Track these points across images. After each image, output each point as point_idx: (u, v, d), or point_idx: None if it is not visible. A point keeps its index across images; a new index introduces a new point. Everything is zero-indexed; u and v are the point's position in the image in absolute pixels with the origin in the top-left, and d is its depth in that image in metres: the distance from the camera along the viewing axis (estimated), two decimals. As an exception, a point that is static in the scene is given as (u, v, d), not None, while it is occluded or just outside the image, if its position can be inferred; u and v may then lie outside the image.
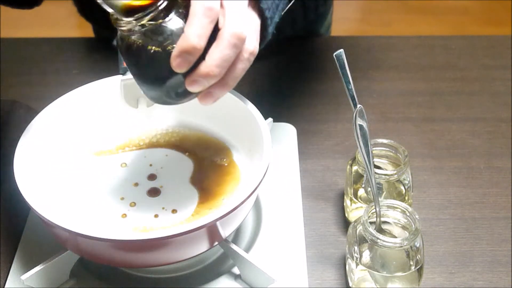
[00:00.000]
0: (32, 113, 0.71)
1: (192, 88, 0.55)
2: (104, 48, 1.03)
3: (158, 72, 0.56)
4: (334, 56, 0.66)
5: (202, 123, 0.76)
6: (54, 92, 0.74)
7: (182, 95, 0.57)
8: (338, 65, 0.66)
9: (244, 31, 0.54)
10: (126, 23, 0.54)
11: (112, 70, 0.74)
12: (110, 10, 0.54)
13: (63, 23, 2.41)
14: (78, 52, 1.05)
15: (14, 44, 1.06)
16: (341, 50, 0.66)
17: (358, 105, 0.65)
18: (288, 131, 0.85)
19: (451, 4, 2.50)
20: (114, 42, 0.74)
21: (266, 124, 0.68)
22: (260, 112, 0.70)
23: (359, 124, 0.65)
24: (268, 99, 0.92)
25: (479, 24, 2.43)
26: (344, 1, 2.39)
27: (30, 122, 0.69)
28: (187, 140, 0.75)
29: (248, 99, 0.71)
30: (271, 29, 0.59)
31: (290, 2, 0.64)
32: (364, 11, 2.54)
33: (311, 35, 1.09)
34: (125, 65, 0.72)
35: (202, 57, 0.54)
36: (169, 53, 0.54)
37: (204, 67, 0.54)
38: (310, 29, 1.09)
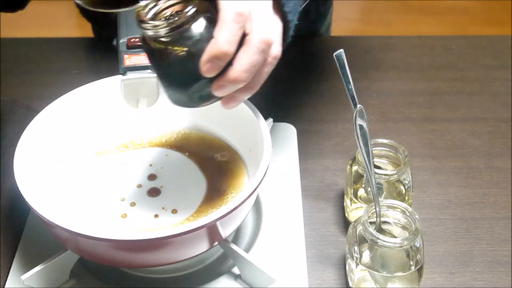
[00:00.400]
0: (32, 113, 0.71)
1: (218, 93, 0.56)
2: (104, 48, 1.03)
3: (184, 76, 0.56)
4: (334, 56, 0.66)
5: (202, 123, 0.76)
6: (54, 92, 0.74)
7: (205, 98, 0.57)
8: (338, 65, 0.66)
9: (271, 36, 0.54)
10: (152, 27, 0.54)
11: (112, 70, 0.74)
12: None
13: (63, 23, 2.41)
14: (78, 52, 1.05)
15: (14, 44, 1.06)
16: (341, 50, 0.66)
17: (358, 105, 0.65)
18: (288, 131, 0.85)
19: (451, 4, 2.50)
20: (114, 42, 0.74)
21: (266, 124, 0.68)
22: (260, 112, 0.70)
23: (359, 124, 0.65)
24: (268, 99, 0.92)
25: (479, 24, 2.43)
26: (344, 1, 2.39)
27: (30, 122, 0.69)
28: (187, 140, 0.75)
29: (248, 99, 0.71)
30: (291, 32, 0.60)
31: (304, 3, 0.65)
32: (364, 11, 2.54)
33: (311, 35, 1.09)
34: (125, 65, 0.72)
35: (229, 62, 0.54)
36: (196, 58, 0.54)
37: (233, 72, 0.54)
38: (310, 28, 1.09)
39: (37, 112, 0.70)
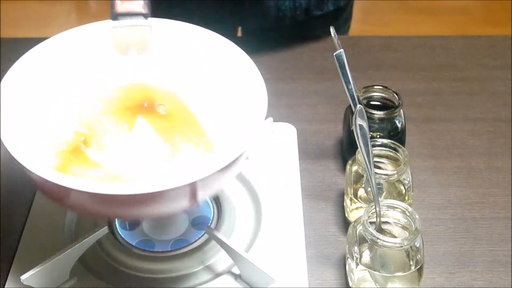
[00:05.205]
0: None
1: None
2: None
3: None
4: (334, 56, 0.66)
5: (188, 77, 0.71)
6: (54, 92, 0.73)
7: None
8: (338, 65, 0.66)
9: None
10: None
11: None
12: None
13: (63, 23, 2.41)
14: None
15: (14, 44, 1.05)
16: (341, 50, 0.66)
17: (358, 105, 0.65)
18: (288, 131, 0.85)
19: (451, 4, 2.50)
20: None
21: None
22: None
23: (359, 124, 0.65)
24: (268, 99, 0.92)
25: (479, 24, 2.43)
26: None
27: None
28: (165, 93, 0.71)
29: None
30: None
31: None
32: (364, 11, 2.54)
33: (337, 17, 1.10)
34: (117, 10, 0.67)
35: None
36: None
37: None
38: (335, 15, 1.09)
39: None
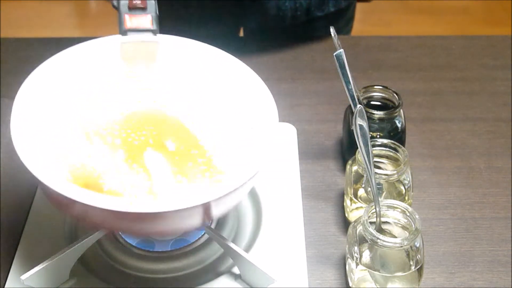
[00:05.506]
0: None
1: None
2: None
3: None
4: (334, 56, 0.66)
5: (194, 97, 0.72)
6: (54, 92, 0.73)
7: None
8: (338, 65, 0.66)
9: None
10: None
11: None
12: None
13: (63, 23, 2.41)
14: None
15: (14, 44, 1.06)
16: (341, 50, 0.66)
17: (358, 105, 0.65)
18: (288, 131, 0.85)
19: (451, 4, 2.51)
20: (115, 3, 0.71)
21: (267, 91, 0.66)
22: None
23: (359, 124, 0.65)
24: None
25: (479, 24, 2.43)
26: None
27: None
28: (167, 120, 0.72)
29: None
30: None
31: None
32: (364, 11, 2.55)
33: (338, 18, 1.10)
34: (126, 26, 0.69)
35: None
36: None
37: None
38: (337, 16, 1.09)
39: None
